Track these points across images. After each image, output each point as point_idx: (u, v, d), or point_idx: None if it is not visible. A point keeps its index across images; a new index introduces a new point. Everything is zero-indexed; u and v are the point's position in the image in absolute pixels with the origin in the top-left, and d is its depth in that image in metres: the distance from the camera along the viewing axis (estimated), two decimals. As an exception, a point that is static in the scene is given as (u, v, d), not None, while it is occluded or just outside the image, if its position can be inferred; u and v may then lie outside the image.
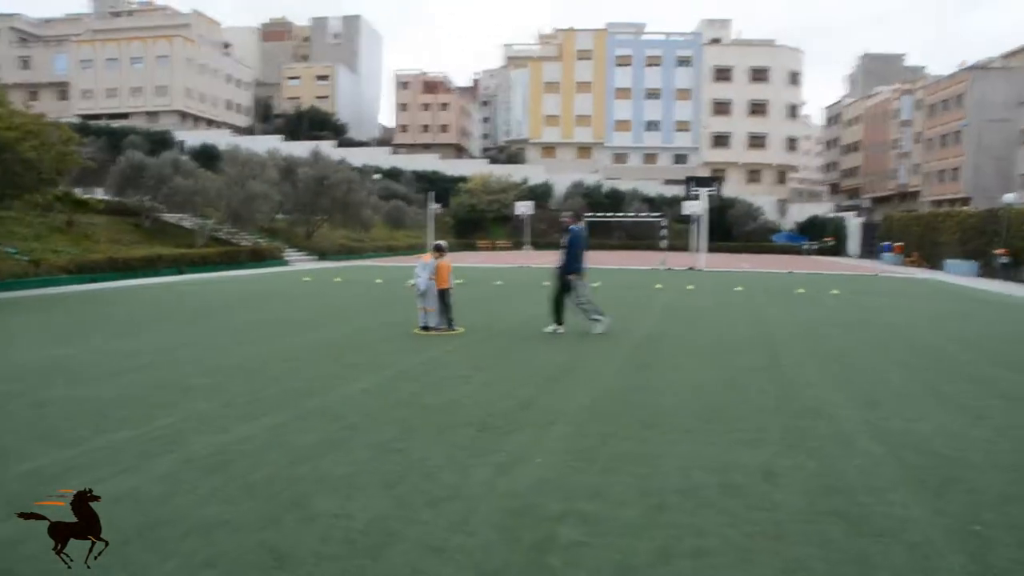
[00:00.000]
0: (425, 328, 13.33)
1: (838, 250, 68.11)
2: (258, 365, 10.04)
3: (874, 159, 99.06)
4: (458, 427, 7.07)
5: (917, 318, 17.83)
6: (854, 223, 69.63)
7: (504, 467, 5.87)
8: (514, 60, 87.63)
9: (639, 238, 67.98)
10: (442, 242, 14.13)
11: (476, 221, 69.33)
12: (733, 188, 77.17)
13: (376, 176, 62.97)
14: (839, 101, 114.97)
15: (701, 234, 41.21)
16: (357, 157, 69.33)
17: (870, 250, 64.49)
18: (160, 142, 61.97)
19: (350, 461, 5.94)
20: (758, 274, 35.53)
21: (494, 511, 4.94)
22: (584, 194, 72.21)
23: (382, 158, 75.10)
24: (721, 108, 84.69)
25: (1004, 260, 36.34)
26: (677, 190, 74.24)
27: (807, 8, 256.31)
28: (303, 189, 43.01)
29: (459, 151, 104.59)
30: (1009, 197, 38.72)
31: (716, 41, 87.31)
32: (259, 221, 38.61)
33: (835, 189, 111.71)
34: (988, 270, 38.04)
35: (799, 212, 76.01)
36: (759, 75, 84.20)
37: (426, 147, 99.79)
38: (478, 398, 8.32)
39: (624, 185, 74.78)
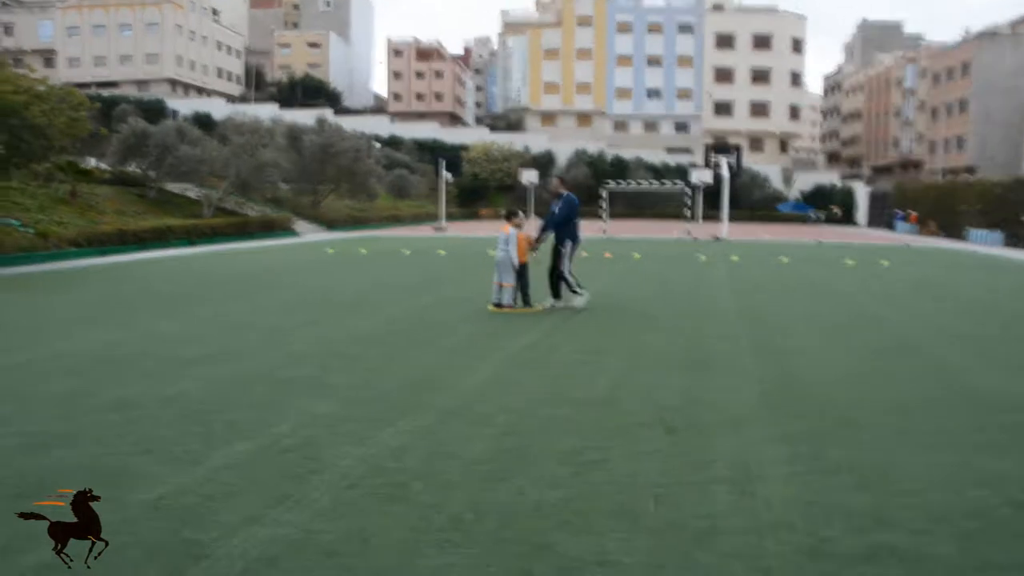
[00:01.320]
0: (498, 305, 12.07)
1: (846, 219, 67.04)
2: (342, 350, 8.82)
3: (875, 128, 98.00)
4: (638, 428, 5.85)
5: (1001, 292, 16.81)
6: (862, 192, 68.54)
7: (741, 483, 4.65)
8: (512, 26, 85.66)
9: (642, 207, 66.62)
10: (518, 210, 12.76)
11: (478, 190, 67.81)
12: (734, 157, 75.82)
13: (377, 145, 61.29)
14: (838, 70, 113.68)
15: (723, 204, 39.96)
16: (354, 125, 67.37)
17: (879, 219, 63.41)
18: (153, 111, 59.91)
19: (552, 480, 4.69)
20: (788, 244, 34.38)
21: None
22: (588, 162, 70.71)
23: (381, 126, 73.23)
24: (723, 76, 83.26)
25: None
26: (680, 158, 73.12)
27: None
28: (309, 157, 41.45)
29: (454, 120, 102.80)
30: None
31: (718, 7, 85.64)
32: (267, 191, 37.11)
33: (834, 158, 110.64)
34: (1015, 240, 37.10)
35: (804, 181, 74.78)
36: (762, 42, 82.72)
37: (420, 116, 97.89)
38: (627, 389, 7.11)
39: (627, 153, 73.27)
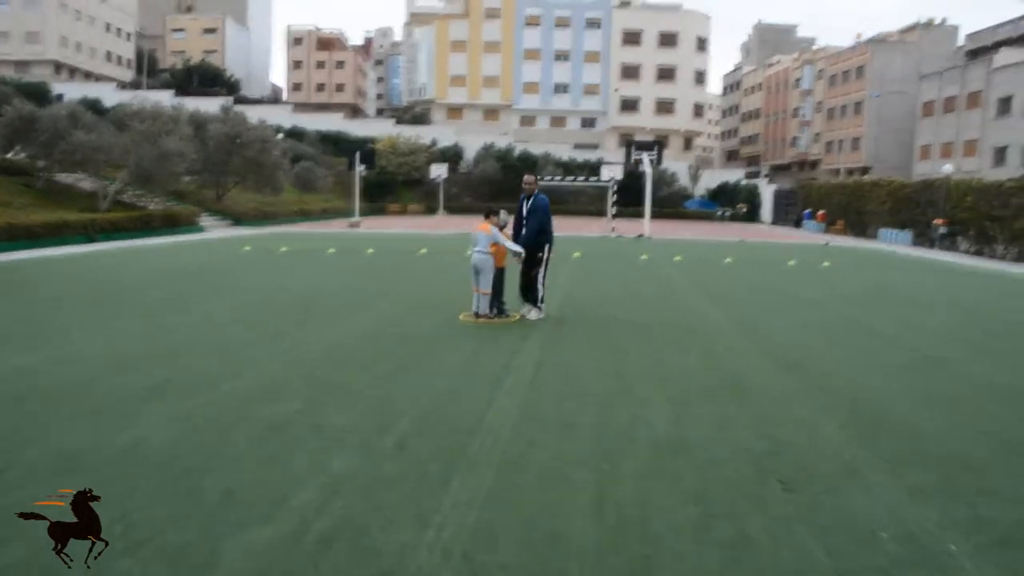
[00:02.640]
0: (476, 315, 10.84)
1: (751, 217, 68.03)
2: (324, 376, 7.47)
3: (774, 127, 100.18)
4: (748, 484, 4.76)
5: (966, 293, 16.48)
6: (767, 190, 69.61)
7: (930, 565, 3.61)
8: (418, 17, 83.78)
9: (555, 203, 65.94)
10: (496, 207, 11.51)
11: (385, 184, 65.85)
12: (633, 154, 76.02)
13: (279, 136, 58.76)
14: (737, 69, 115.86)
15: (646, 201, 39.46)
16: (254, 115, 64.57)
17: (783, 217, 64.53)
18: (35, 95, 55.81)
19: (707, 572, 3.54)
20: (717, 243, 34.09)
21: None
22: (497, 157, 69.67)
23: (283, 117, 70.22)
24: (630, 72, 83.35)
25: (943, 230, 36.10)
26: (588, 154, 72.89)
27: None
28: (214, 148, 38.99)
29: (355, 112, 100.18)
30: (947, 168, 38.51)
31: (625, 4, 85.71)
32: (170, 183, 34.64)
33: (733, 156, 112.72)
34: (924, 240, 37.85)
35: (709, 178, 75.55)
36: (668, 40, 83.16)
37: (320, 107, 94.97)
38: (690, 427, 6.02)
39: (535, 148, 72.48)
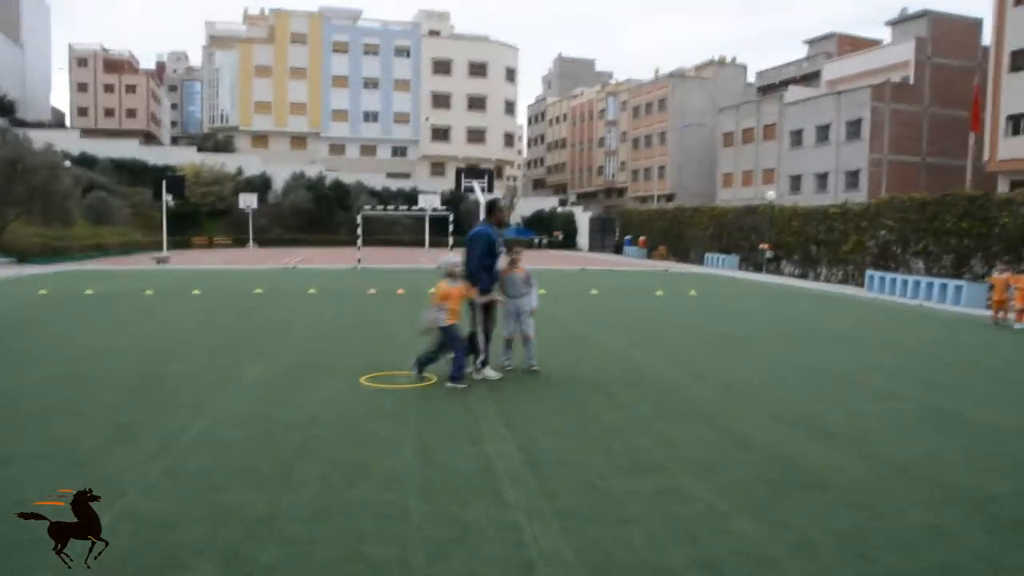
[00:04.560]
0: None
1: (569, 244, 68.86)
2: (216, 517, 5.44)
3: (580, 156, 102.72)
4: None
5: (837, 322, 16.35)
6: (583, 217, 70.73)
7: None
8: (218, 40, 79.30)
9: (372, 234, 63.93)
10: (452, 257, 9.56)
11: (189, 216, 61.37)
12: (452, 182, 75.36)
13: (67, 163, 53.40)
14: (542, 99, 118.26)
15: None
16: (38, 140, 58.43)
17: (601, 243, 65.67)
18: None
19: None
20: (561, 272, 33.45)
21: None
22: (308, 187, 66.80)
23: (70, 142, 63.80)
24: (441, 101, 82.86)
25: (769, 255, 37.39)
26: (401, 183, 71.49)
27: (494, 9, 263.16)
28: (-8, 176, 34.47)
29: (149, 139, 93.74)
30: (771, 195, 40.04)
31: (435, 33, 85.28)
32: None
33: (539, 184, 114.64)
34: (750, 264, 39.14)
35: (525, 206, 76.00)
36: (478, 70, 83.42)
37: (111, 133, 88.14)
38: (814, 560, 4.66)
39: (347, 177, 70.17)
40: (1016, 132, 45.45)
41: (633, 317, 16.83)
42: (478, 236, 9.37)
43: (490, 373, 9.48)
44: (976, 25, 59.87)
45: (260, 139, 79.08)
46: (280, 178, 68.15)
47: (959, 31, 59.04)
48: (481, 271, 9.29)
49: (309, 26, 78.64)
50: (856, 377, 10.34)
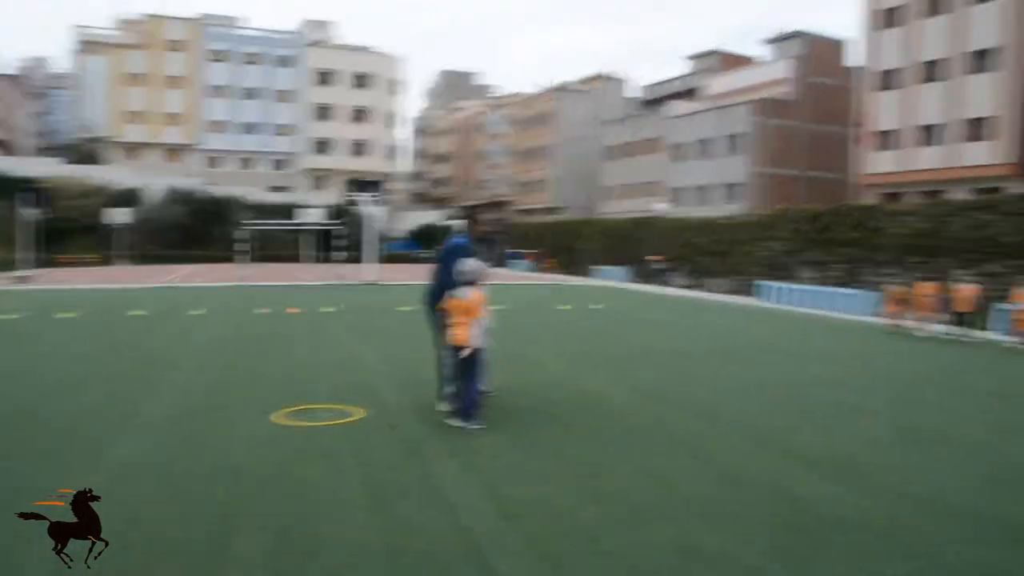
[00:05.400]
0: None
1: (456, 259, 68.10)
2: None
3: (465, 169, 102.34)
4: None
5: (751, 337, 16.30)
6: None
7: None
8: (89, 45, 75.12)
9: (262, 248, 61.57)
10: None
11: (52, 231, 57.68)
12: (336, 195, 73.60)
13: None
14: (425, 113, 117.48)
15: (371, 244, 37.29)
16: None
17: (487, 256, 65.20)
18: None
19: None
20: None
21: None
22: (184, 201, 63.98)
23: (-83, 153, 59.54)
24: (324, 113, 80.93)
25: (660, 266, 37.80)
26: (283, 197, 69.38)
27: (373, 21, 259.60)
28: None
29: (6, 148, 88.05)
30: (661, 207, 40.47)
31: (318, 43, 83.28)
32: None
33: (424, 198, 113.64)
34: (640, 275, 39.47)
35: (412, 220, 74.92)
36: (362, 81, 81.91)
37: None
38: None
39: (226, 191, 67.51)
40: (885, 148, 47.43)
41: (552, 332, 16.36)
42: (459, 248, 8.58)
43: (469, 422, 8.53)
44: (845, 46, 62.59)
45: (133, 150, 75.29)
46: (154, 191, 64.99)
47: (831, 51, 61.58)
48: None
49: (187, 33, 75.48)
50: (809, 392, 10.12)
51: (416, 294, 26.84)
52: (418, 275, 43.49)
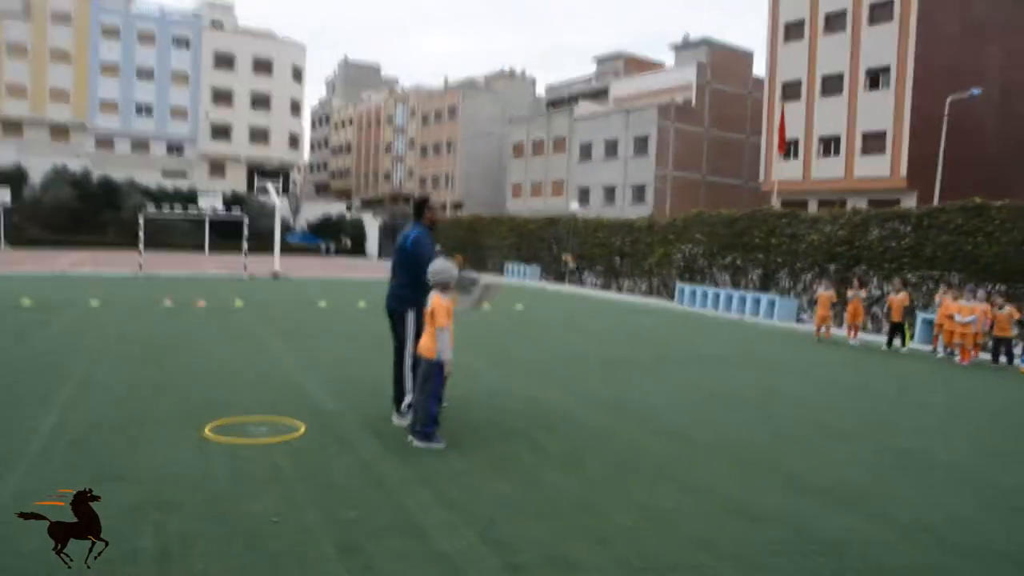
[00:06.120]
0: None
1: (357, 251, 66.86)
2: None
3: (367, 162, 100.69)
4: None
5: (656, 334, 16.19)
6: (373, 224, 68.90)
7: None
8: (-36, 13, 70.56)
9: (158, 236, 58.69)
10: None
11: (-81, 213, 53.96)
12: (234, 183, 71.15)
13: None
14: (327, 102, 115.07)
15: (275, 235, 35.96)
16: None
17: (390, 251, 64.26)
18: None
19: None
20: (370, 283, 31.93)
21: None
22: (72, 183, 60.68)
23: None
24: (222, 98, 78.10)
25: (572, 266, 37.69)
26: (179, 183, 66.65)
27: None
28: None
29: None
30: (574, 206, 40.42)
31: (217, 24, 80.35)
32: None
33: (323, 189, 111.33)
34: (552, 274, 39.30)
35: (311, 211, 73.00)
36: (263, 67, 79.45)
37: None
38: None
39: (117, 174, 64.28)
40: (787, 156, 48.64)
41: (482, 335, 15.75)
42: (423, 240, 7.81)
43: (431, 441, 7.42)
44: (748, 57, 64.11)
45: (13, 126, 71.01)
46: (38, 171, 61.40)
47: (734, 61, 62.99)
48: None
49: (75, 5, 71.61)
50: (771, 406, 9.89)
51: (328, 289, 26.25)
52: (322, 269, 42.62)
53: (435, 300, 7.06)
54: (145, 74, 74.88)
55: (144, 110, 75.33)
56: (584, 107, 67.72)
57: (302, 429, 7.48)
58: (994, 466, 7.62)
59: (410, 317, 7.86)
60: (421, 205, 8.13)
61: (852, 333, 18.56)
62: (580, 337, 16.58)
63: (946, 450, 8.15)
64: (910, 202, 40.13)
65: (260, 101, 79.59)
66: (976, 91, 33.70)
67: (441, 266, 7.11)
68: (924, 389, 12.39)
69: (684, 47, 64.64)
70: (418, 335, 7.61)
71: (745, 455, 7.41)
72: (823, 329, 18.61)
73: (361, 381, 10.12)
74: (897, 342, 17.71)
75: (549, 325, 18.55)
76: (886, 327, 19.17)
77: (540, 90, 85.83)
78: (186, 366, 10.83)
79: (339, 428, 7.65)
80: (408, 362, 7.81)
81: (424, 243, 7.73)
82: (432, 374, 7.03)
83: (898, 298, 17.85)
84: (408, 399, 7.81)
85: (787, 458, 7.36)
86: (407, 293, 7.87)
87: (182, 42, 75.98)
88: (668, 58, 69.85)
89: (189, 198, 59.02)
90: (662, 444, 7.72)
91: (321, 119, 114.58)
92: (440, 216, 8.17)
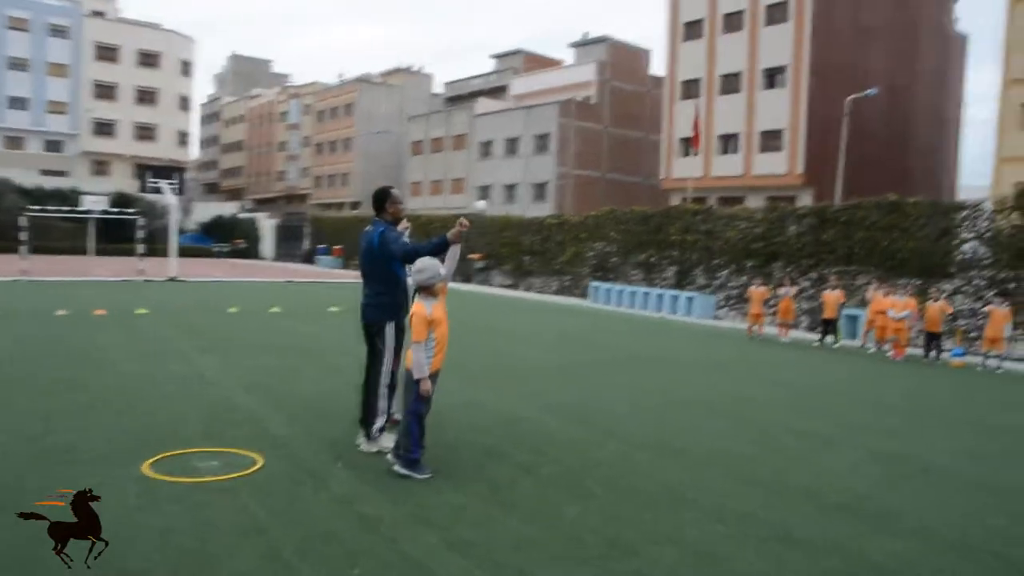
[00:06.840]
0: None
1: (251, 253, 64.69)
2: None
3: (259, 160, 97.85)
4: None
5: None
6: (267, 224, 66.81)
7: None
8: None
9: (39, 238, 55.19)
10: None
11: None
12: (119, 182, 67.71)
13: None
14: (216, 99, 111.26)
15: (171, 237, 34.16)
16: None
17: (287, 253, 62.65)
18: None
19: None
20: (272, 285, 30.69)
21: None
22: (-61, 181, 56.66)
23: None
24: (105, 92, 74.29)
25: (480, 265, 37.21)
26: (58, 182, 63.13)
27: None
28: None
29: None
30: (481, 205, 39.87)
31: (99, 14, 76.40)
32: None
33: (213, 189, 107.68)
34: (459, 274, 38.73)
35: (202, 212, 70.18)
36: (149, 60, 76.01)
37: None
38: None
39: (-9, 173, 60.30)
40: (686, 154, 49.33)
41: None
42: (390, 236, 6.93)
43: (389, 442, 6.94)
44: (646, 54, 64.79)
45: None
46: None
47: (633, 59, 63.55)
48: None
49: (-65, -10, 66.87)
50: (745, 412, 9.58)
51: (232, 293, 24.94)
52: (219, 271, 40.74)
53: (413, 309, 6.38)
54: (19, 65, 70.50)
55: (18, 104, 70.88)
56: (484, 104, 67.24)
57: (260, 462, 6.61)
58: (988, 468, 7.51)
59: (389, 330, 7.10)
60: (382, 198, 7.29)
61: (784, 331, 18.64)
62: (512, 341, 16.10)
63: (931, 453, 7.99)
64: (807, 199, 41.18)
65: (146, 96, 76.15)
66: (874, 90, 34.70)
67: (424, 264, 6.31)
68: (873, 387, 12.38)
69: (583, 44, 64.86)
70: (397, 351, 6.96)
71: (744, 469, 7.02)
72: (755, 327, 18.63)
73: (309, 399, 9.29)
74: (829, 338, 17.85)
75: (476, 329, 17.95)
76: (807, 323, 19.34)
77: (439, 87, 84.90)
78: (103, 387, 9.42)
79: (303, 458, 6.83)
80: (383, 380, 7.09)
81: (393, 239, 6.91)
82: (410, 387, 6.36)
83: (832, 295, 17.99)
84: (379, 422, 7.13)
85: (787, 471, 7.01)
86: (385, 301, 7.08)
87: (60, 32, 71.85)
88: (568, 56, 69.87)
89: (69, 198, 55.87)
90: (653, 459, 7.26)
91: (211, 116, 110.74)
92: (403, 211, 7.37)
